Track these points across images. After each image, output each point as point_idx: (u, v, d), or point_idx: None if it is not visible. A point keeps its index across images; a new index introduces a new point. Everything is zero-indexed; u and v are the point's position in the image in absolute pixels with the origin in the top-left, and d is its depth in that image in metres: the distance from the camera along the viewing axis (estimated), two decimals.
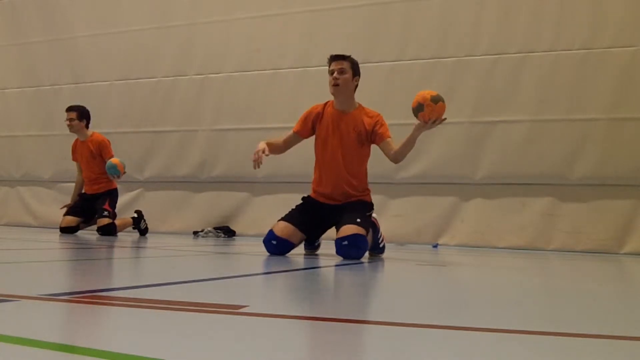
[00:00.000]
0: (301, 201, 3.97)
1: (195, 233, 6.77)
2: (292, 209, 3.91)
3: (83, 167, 6.25)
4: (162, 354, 0.97)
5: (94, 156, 6.15)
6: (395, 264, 3.64)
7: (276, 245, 3.72)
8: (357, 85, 3.88)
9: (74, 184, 6.49)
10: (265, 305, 1.74)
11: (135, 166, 7.24)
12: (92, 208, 6.10)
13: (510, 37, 5.89)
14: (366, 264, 3.42)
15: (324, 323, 1.38)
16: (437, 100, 3.43)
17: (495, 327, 1.43)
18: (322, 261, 3.50)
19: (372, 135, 3.80)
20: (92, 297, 1.67)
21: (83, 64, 7.67)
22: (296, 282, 2.48)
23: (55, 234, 5.89)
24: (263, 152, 3.71)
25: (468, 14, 6.05)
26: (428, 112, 3.42)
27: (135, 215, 6.43)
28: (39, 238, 5.22)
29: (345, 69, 3.77)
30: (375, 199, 6.32)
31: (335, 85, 3.74)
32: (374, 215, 4.05)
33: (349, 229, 3.58)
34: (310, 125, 3.91)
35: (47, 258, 3.28)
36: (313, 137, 3.95)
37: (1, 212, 8.09)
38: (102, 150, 6.13)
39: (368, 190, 3.96)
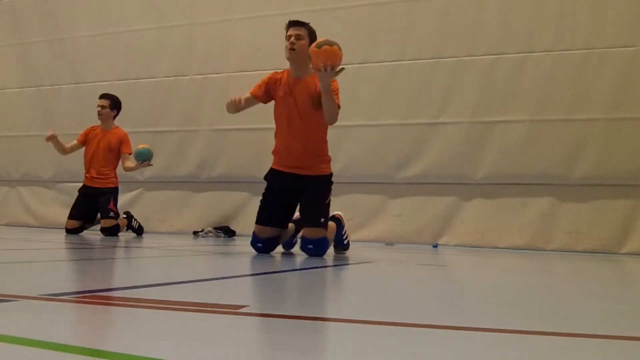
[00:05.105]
0: (264, 181, 4.06)
1: (195, 233, 6.77)
2: (262, 203, 4.00)
3: (92, 155, 6.18)
4: (162, 354, 0.97)
5: (110, 149, 6.15)
6: (395, 265, 3.64)
7: (263, 247, 3.92)
8: None
9: (73, 184, 6.48)
10: (265, 305, 1.74)
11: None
12: (94, 207, 6.09)
13: (510, 37, 5.88)
14: (366, 265, 3.42)
15: (323, 323, 1.38)
16: (320, 45, 3.46)
17: (495, 327, 1.43)
18: (322, 261, 3.50)
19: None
20: (92, 297, 1.67)
21: (83, 64, 7.67)
22: (296, 282, 2.48)
23: (56, 234, 5.89)
24: (239, 101, 4.03)
25: (468, 14, 6.05)
26: (314, 59, 3.45)
27: (124, 216, 6.40)
28: (39, 238, 5.22)
29: (303, 35, 3.85)
30: (375, 199, 6.43)
31: (291, 49, 3.81)
32: (338, 212, 4.13)
33: (314, 232, 3.75)
34: (264, 90, 4.01)
35: (47, 258, 3.28)
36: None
37: (1, 212, 8.09)
38: (122, 144, 6.15)
39: (328, 157, 4.01)
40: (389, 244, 6.08)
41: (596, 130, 5.61)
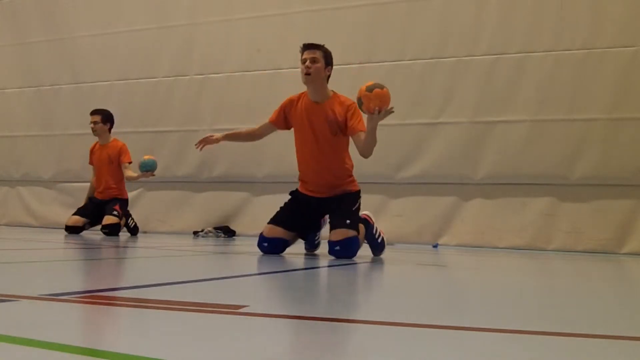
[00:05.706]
0: (289, 196, 4.00)
1: (195, 233, 6.77)
2: (281, 209, 3.96)
3: (97, 171, 6.27)
4: (163, 354, 0.97)
5: (111, 161, 6.19)
6: (395, 264, 3.64)
7: (268, 246, 3.83)
8: (329, 76, 3.85)
9: (73, 184, 6.49)
10: (265, 305, 1.74)
11: (135, 166, 7.23)
12: (101, 211, 6.10)
13: (510, 37, 5.88)
14: (366, 265, 3.42)
15: (323, 323, 1.38)
16: (371, 88, 3.40)
17: (495, 327, 1.43)
18: (322, 261, 3.50)
19: (345, 126, 3.74)
20: (93, 297, 1.67)
21: (83, 64, 7.66)
22: (296, 282, 2.48)
23: (56, 234, 5.89)
24: (213, 139, 4.18)
25: (468, 14, 6.05)
26: (366, 102, 3.38)
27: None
28: (39, 238, 5.22)
29: (318, 58, 3.74)
30: (375, 199, 6.41)
31: (306, 74, 3.72)
32: (365, 212, 4.05)
33: (340, 233, 3.64)
34: (283, 116, 3.94)
35: (47, 258, 3.28)
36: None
37: (1, 212, 8.09)
38: (121, 155, 6.19)
39: (352, 178, 3.93)
40: (389, 243, 6.06)
41: (596, 130, 5.61)
